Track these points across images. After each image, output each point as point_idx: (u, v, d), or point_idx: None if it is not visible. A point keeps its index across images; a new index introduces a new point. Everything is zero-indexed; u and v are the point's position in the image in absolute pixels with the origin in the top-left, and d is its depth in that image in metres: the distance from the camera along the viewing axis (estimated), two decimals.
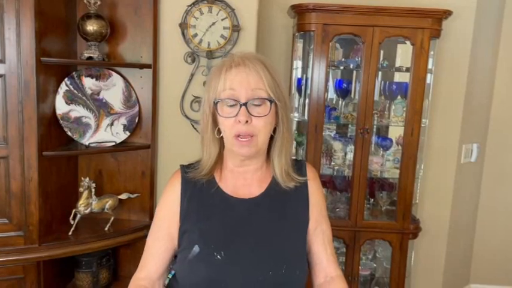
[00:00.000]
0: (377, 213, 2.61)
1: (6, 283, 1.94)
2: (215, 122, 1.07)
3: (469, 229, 2.99)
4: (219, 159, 1.12)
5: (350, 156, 2.54)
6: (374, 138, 2.63)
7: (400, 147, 2.55)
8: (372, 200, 2.69)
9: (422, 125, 2.44)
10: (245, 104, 1.00)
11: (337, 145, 2.62)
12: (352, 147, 2.49)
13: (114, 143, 2.18)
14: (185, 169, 1.14)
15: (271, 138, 1.09)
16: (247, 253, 1.03)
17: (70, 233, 2.07)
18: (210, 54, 2.24)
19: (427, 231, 2.62)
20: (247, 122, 1.00)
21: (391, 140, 2.62)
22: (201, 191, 1.10)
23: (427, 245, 2.71)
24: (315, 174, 1.18)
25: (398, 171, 2.49)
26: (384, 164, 2.61)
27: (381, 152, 2.63)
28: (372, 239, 2.54)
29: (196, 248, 1.03)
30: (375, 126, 2.55)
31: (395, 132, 2.61)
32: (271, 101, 1.02)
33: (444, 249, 2.75)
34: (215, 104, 1.04)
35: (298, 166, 1.15)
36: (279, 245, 1.05)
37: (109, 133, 2.18)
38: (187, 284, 1.05)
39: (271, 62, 1.07)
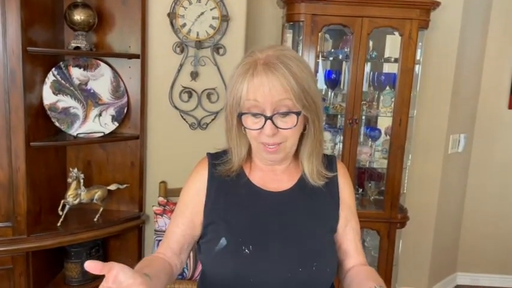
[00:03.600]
0: (366, 202, 2.64)
1: None
2: (241, 120, 1.00)
3: (456, 218, 3.03)
4: (248, 151, 1.08)
5: (340, 146, 2.56)
6: (363, 129, 2.65)
7: (388, 137, 2.57)
8: (361, 190, 2.71)
9: (410, 116, 2.46)
10: (270, 118, 0.94)
11: (326, 136, 2.63)
12: (342, 137, 2.51)
13: (102, 134, 2.17)
14: (213, 160, 1.09)
15: (301, 135, 1.04)
16: (276, 248, 1.00)
17: (59, 224, 2.07)
18: (199, 45, 2.23)
19: (415, 220, 2.65)
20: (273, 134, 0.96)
21: (379, 131, 2.63)
22: (229, 182, 1.06)
23: (415, 234, 2.74)
24: (345, 170, 1.15)
25: (386, 161, 2.51)
26: (373, 155, 2.63)
27: (370, 142, 2.65)
28: (361, 228, 2.56)
29: (223, 241, 1.00)
30: (364, 117, 2.57)
31: (384, 122, 2.62)
32: (297, 113, 0.96)
33: (431, 238, 2.79)
34: (239, 116, 0.99)
35: (329, 161, 1.12)
36: (309, 241, 1.02)
37: (97, 124, 2.17)
38: (214, 276, 1.02)
39: (298, 59, 0.98)
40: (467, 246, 3.07)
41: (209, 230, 1.05)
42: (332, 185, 1.10)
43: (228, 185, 1.07)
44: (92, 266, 0.72)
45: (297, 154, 1.09)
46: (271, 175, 1.09)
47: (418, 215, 2.70)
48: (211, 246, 1.02)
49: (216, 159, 1.10)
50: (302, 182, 1.08)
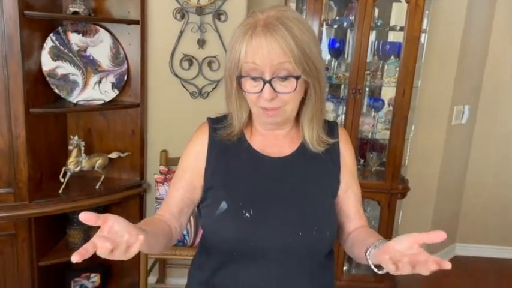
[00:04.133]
0: (367, 173, 2.64)
1: None
2: (240, 84, 0.98)
3: (457, 190, 3.04)
4: (249, 116, 1.06)
5: (342, 117, 2.54)
6: (366, 100, 2.62)
7: (391, 108, 2.54)
8: (363, 160, 2.71)
9: (415, 86, 2.42)
10: (269, 82, 0.92)
11: (328, 106, 2.60)
12: (344, 108, 2.48)
13: (102, 102, 2.15)
14: (213, 124, 1.08)
15: (302, 99, 1.02)
16: (276, 212, 1.00)
17: (60, 191, 2.08)
18: (200, 11, 2.18)
19: (416, 191, 2.66)
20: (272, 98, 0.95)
21: (383, 101, 2.60)
22: (229, 147, 1.05)
23: (415, 205, 2.75)
24: (347, 136, 1.13)
25: (389, 132, 2.49)
26: (375, 125, 2.61)
27: (373, 113, 2.63)
28: (361, 198, 2.57)
29: (224, 205, 1.00)
30: (367, 87, 2.53)
31: (388, 93, 2.59)
32: (297, 77, 0.94)
33: (432, 209, 2.80)
34: (238, 79, 0.97)
35: (330, 128, 1.09)
36: (310, 206, 1.02)
37: (97, 91, 2.15)
38: (214, 240, 1.03)
39: (300, 21, 0.94)
40: (468, 218, 3.09)
41: (209, 194, 1.05)
42: (333, 151, 1.09)
43: (228, 149, 1.06)
44: (86, 217, 0.72)
45: (298, 119, 1.07)
46: (272, 140, 1.07)
47: (420, 186, 2.70)
48: (211, 210, 1.02)
49: (216, 123, 1.08)
50: (303, 147, 1.07)
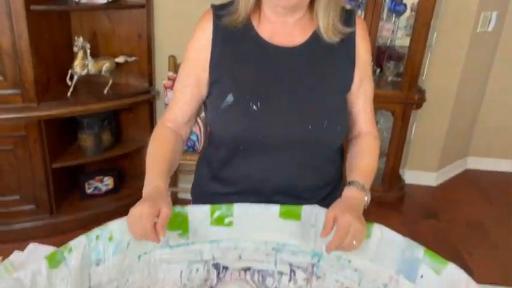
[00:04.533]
0: (382, 83, 2.55)
1: (10, 140, 1.98)
2: None
3: (476, 102, 2.94)
4: (258, 2, 0.98)
5: None
6: (387, 4, 2.45)
7: (414, 13, 2.38)
8: (379, 70, 2.60)
9: None
10: None
11: None
12: (363, 13, 2.32)
13: (105, 1, 2.04)
14: (218, 11, 1.00)
15: None
16: (285, 105, 0.95)
17: (69, 94, 2.05)
18: None
19: (432, 102, 2.57)
20: None
21: (405, 5, 2.44)
22: (235, 36, 0.98)
23: (431, 117, 2.68)
24: (364, 27, 1.04)
25: (409, 39, 2.35)
26: (395, 32, 2.47)
27: (394, 18, 2.47)
28: (374, 109, 2.50)
29: (230, 97, 0.96)
30: None
31: None
32: None
33: (447, 122, 2.74)
34: None
35: (347, 16, 1.01)
36: (321, 98, 0.97)
37: None
38: (221, 134, 1.01)
39: None
40: (482, 131, 3.02)
41: (215, 87, 1.00)
42: (348, 42, 1.01)
43: (234, 38, 0.98)
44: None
45: (311, 7, 0.98)
46: (282, 28, 0.99)
47: (436, 98, 2.61)
48: (217, 103, 0.98)
49: (221, 10, 1.00)
50: (316, 37, 0.99)
